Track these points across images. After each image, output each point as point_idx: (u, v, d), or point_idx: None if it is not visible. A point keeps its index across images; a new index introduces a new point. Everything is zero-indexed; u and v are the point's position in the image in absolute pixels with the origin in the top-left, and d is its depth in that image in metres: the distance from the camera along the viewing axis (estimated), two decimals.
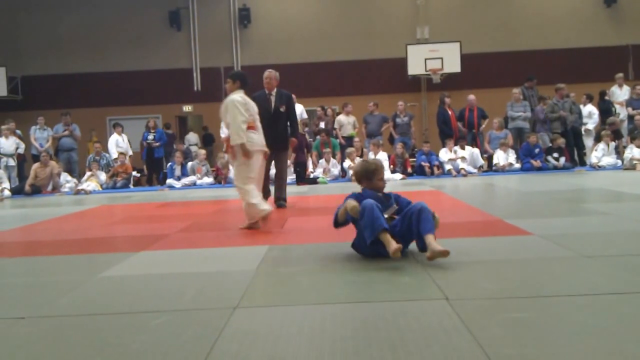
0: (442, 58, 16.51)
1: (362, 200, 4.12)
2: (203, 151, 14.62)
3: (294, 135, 8.24)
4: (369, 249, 4.11)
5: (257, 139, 6.18)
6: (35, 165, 13.75)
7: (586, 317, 2.69)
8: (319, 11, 18.12)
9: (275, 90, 7.98)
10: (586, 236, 4.77)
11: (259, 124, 6.33)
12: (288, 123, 8.16)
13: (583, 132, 14.42)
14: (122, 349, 2.50)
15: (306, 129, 13.65)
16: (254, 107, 6.26)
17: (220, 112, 6.14)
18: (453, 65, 16.47)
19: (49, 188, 13.76)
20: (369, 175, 4.38)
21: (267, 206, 5.91)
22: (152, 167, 15.26)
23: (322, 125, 14.60)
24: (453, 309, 2.84)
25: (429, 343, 2.40)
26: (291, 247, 4.89)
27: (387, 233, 3.93)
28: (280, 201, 8.03)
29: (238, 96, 6.02)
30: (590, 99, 14.93)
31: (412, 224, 4.02)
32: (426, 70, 16.62)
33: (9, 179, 13.80)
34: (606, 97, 14.81)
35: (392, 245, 3.85)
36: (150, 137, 14.89)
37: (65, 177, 14.08)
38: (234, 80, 6.16)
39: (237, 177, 6.09)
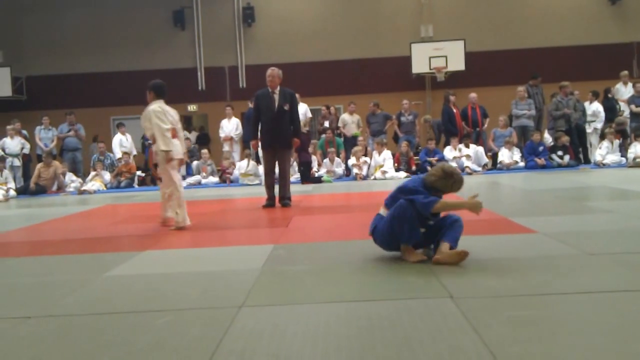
0: (446, 56, 16.48)
1: (423, 201, 3.87)
2: (206, 151, 14.63)
3: (297, 135, 8.22)
4: (388, 247, 4.10)
5: (178, 148, 6.38)
6: (39, 165, 13.78)
7: (591, 314, 2.69)
8: (323, 10, 18.10)
9: (278, 88, 7.96)
10: (590, 234, 4.76)
11: (181, 134, 6.58)
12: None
13: (589, 131, 14.38)
14: (128, 348, 2.52)
15: (306, 128, 13.62)
16: (174, 115, 6.48)
17: (141, 122, 6.38)
18: (457, 63, 16.44)
19: (54, 188, 13.80)
20: (448, 186, 3.99)
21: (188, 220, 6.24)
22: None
23: (326, 124, 14.59)
24: (458, 307, 2.84)
25: (434, 341, 2.40)
26: (296, 246, 4.90)
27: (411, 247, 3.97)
28: (285, 200, 8.04)
29: (156, 106, 6.28)
30: (596, 96, 14.89)
31: (441, 229, 3.96)
32: (430, 69, 16.59)
33: (14, 179, 13.85)
34: (609, 95, 14.74)
35: (413, 257, 3.92)
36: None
37: (70, 177, 14.12)
38: (149, 91, 6.45)
39: (168, 183, 6.34)
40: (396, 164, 13.55)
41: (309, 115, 14.59)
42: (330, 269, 3.90)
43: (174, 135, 6.34)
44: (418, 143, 14.89)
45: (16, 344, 2.67)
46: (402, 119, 14.54)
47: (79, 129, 15.07)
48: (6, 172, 13.42)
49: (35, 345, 2.63)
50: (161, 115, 6.21)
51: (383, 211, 4.10)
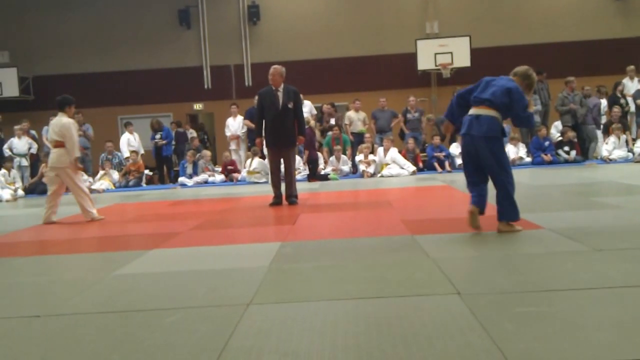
0: (451, 52, 16.42)
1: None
2: (208, 152, 14.63)
3: (302, 132, 8.22)
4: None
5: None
6: (42, 165, 13.82)
7: (599, 310, 2.69)
8: (328, 7, 18.08)
9: (282, 86, 7.92)
10: (597, 229, 4.75)
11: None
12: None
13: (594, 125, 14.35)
14: (137, 346, 2.53)
15: (308, 125, 13.59)
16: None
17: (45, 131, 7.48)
18: (463, 59, 16.39)
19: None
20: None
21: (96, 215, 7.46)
22: (161, 165, 15.33)
23: (332, 121, 14.57)
24: (465, 303, 2.84)
25: (442, 338, 2.41)
26: (303, 244, 4.91)
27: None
28: (292, 198, 8.06)
29: (69, 119, 7.53)
30: (602, 92, 14.85)
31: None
32: (436, 65, 16.54)
33: (22, 178, 13.92)
34: (619, 89, 14.65)
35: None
36: (158, 136, 14.96)
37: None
38: (57, 106, 7.60)
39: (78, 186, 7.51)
40: None
41: (314, 112, 14.60)
42: (338, 266, 3.91)
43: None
44: (424, 140, 14.86)
45: (26, 342, 2.69)
46: (409, 115, 14.53)
47: (88, 129, 15.12)
48: (14, 172, 13.48)
49: (44, 344, 2.65)
50: (73, 126, 7.47)
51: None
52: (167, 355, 2.40)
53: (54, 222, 7.46)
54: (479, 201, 4.77)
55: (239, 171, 13.82)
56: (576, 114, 13.81)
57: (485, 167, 4.73)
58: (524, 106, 4.68)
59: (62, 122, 7.43)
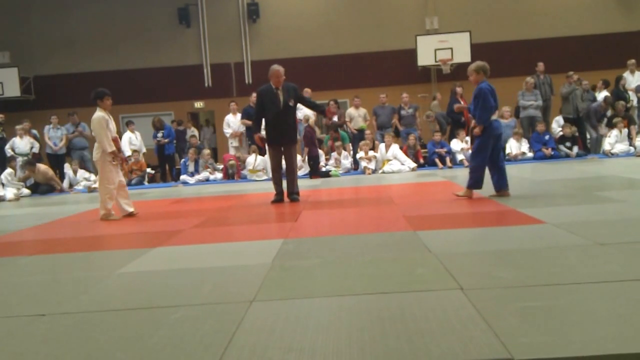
0: (451, 48, 16.41)
1: None
2: (207, 151, 14.64)
3: (318, 108, 8.66)
4: None
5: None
6: (27, 173, 13.75)
7: (602, 304, 2.70)
8: (328, 4, 18.06)
9: (282, 85, 7.90)
10: (600, 223, 4.76)
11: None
12: (298, 115, 8.12)
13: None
14: (142, 344, 2.54)
15: (306, 124, 13.60)
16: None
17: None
18: (463, 55, 16.36)
19: (65, 185, 13.90)
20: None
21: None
22: (163, 163, 15.35)
23: (335, 118, 14.56)
24: (468, 298, 2.85)
25: (445, 333, 2.42)
26: (306, 241, 4.92)
27: None
28: (293, 195, 8.06)
29: (100, 113, 7.61)
30: (606, 85, 14.83)
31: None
32: (436, 61, 16.53)
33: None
34: (621, 84, 14.65)
35: None
36: (160, 134, 14.98)
37: (82, 173, 14.21)
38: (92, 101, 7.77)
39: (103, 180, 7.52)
40: None
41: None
42: (340, 262, 3.92)
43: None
44: (420, 136, 14.84)
45: (31, 341, 2.70)
46: (402, 112, 14.48)
47: (84, 129, 15.14)
48: (18, 172, 13.51)
49: (50, 343, 2.66)
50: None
51: None
52: (172, 352, 2.41)
53: (132, 214, 7.47)
54: None
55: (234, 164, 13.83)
56: (578, 108, 13.83)
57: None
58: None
59: (93, 117, 7.48)
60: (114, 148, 7.38)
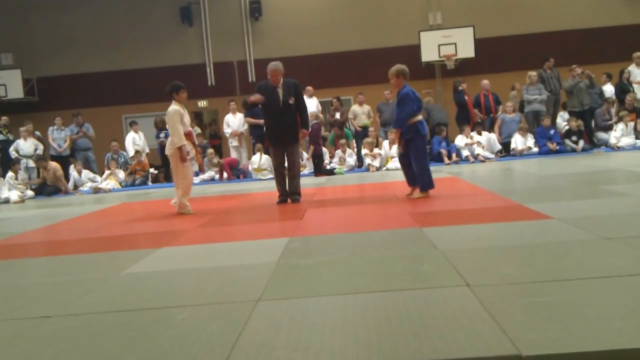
0: (455, 43, 16.36)
1: None
2: (211, 150, 14.64)
3: (305, 126, 8.06)
4: None
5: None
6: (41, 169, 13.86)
7: (609, 299, 2.68)
8: (330, 1, 18.03)
9: (281, 81, 7.75)
10: (606, 218, 4.73)
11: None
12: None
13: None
14: (149, 344, 2.54)
15: (315, 121, 13.55)
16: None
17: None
18: (467, 50, 16.32)
19: (70, 186, 13.93)
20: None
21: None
22: (167, 163, 15.34)
23: (337, 116, 14.56)
24: (475, 295, 2.84)
25: (452, 330, 2.40)
26: (311, 239, 4.91)
27: None
28: (295, 196, 7.90)
29: (174, 107, 7.26)
30: (609, 78, 14.76)
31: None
32: (440, 57, 16.49)
33: (29, 180, 13.99)
34: (624, 77, 14.59)
35: None
36: (162, 134, 14.99)
37: (87, 174, 14.24)
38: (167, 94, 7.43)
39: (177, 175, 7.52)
40: None
41: (320, 107, 14.57)
42: (346, 260, 3.91)
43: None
44: None
45: (37, 342, 2.70)
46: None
47: (88, 130, 15.17)
48: (21, 174, 13.55)
49: (56, 344, 2.66)
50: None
51: None
52: (178, 353, 2.41)
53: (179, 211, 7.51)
54: None
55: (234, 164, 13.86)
56: (583, 101, 13.78)
57: None
58: None
59: (168, 110, 7.33)
60: (184, 142, 7.19)
